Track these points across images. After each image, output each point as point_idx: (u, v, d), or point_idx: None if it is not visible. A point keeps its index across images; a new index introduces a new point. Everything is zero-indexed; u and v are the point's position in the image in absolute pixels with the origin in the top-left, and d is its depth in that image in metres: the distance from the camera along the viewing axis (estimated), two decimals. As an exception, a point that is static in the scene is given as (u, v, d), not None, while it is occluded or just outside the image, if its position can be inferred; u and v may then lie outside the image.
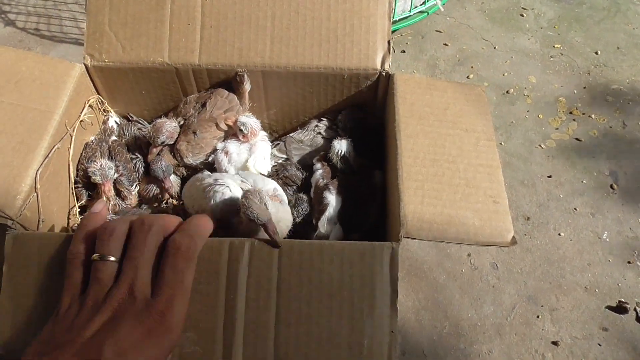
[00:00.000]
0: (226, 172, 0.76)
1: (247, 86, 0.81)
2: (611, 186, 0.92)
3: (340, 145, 0.77)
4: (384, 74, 0.79)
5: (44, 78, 0.77)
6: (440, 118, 0.74)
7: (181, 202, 0.81)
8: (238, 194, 0.66)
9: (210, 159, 0.81)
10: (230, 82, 0.83)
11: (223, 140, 0.81)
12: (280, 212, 0.64)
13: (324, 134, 0.83)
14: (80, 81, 0.79)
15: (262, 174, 0.78)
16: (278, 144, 0.84)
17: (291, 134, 0.85)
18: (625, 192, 0.91)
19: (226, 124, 0.79)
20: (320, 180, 0.75)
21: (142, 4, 0.81)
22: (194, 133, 0.81)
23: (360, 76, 0.80)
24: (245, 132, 0.77)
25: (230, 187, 0.67)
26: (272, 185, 0.70)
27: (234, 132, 0.81)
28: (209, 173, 0.76)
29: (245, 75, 0.79)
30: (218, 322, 0.49)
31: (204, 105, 0.82)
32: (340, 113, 0.82)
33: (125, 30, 0.81)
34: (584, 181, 0.93)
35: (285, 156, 0.83)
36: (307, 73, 0.79)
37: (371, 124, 0.82)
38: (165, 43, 0.80)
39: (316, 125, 0.84)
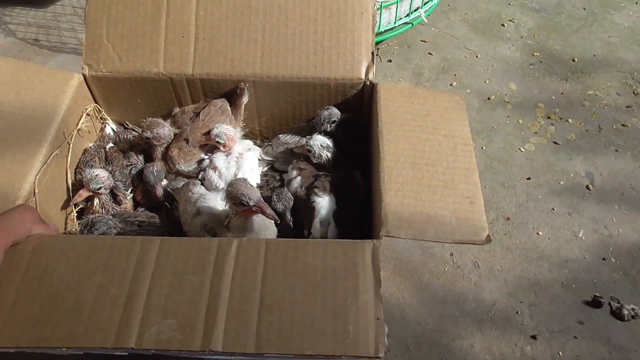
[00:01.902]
0: (217, 188, 0.79)
1: (245, 99, 0.85)
2: (587, 187, 0.96)
3: (318, 139, 0.80)
4: (368, 83, 0.83)
5: (44, 87, 0.81)
6: (421, 124, 0.78)
7: (173, 207, 0.84)
8: (222, 206, 0.70)
9: (199, 167, 0.85)
10: (224, 92, 0.87)
11: (208, 153, 0.84)
12: (265, 221, 0.67)
13: (308, 136, 0.87)
14: (78, 90, 0.83)
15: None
16: (267, 146, 0.88)
17: (279, 135, 0.89)
18: (601, 192, 0.96)
19: (203, 144, 0.83)
20: (300, 190, 0.78)
21: (139, 18, 0.85)
22: (186, 140, 0.85)
23: (346, 85, 0.84)
24: (222, 141, 0.81)
25: (215, 202, 0.71)
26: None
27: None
28: (199, 183, 0.79)
29: (246, 89, 0.84)
30: (200, 310, 0.52)
31: (197, 114, 0.86)
32: (317, 112, 0.85)
33: (123, 42, 0.85)
34: (562, 182, 0.97)
35: (272, 159, 0.87)
36: (296, 83, 0.84)
37: (352, 127, 0.86)
38: (160, 54, 0.84)
39: (301, 129, 0.88)
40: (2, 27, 1.29)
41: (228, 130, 0.83)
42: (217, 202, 0.71)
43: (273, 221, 0.67)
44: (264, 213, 0.62)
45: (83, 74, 0.84)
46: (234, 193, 0.61)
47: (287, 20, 0.84)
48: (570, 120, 1.09)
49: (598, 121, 1.08)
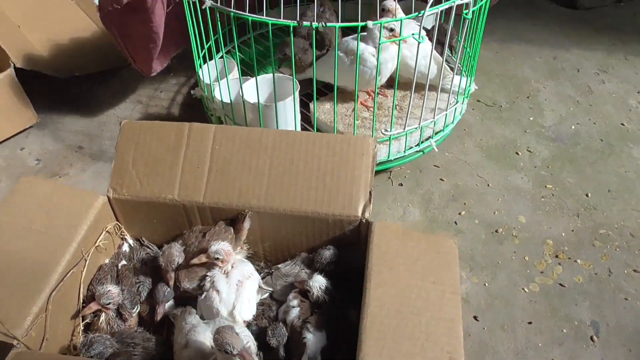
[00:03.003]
0: (218, 312, 0.83)
1: (247, 225, 0.91)
2: (591, 338, 0.93)
3: (318, 281, 0.84)
4: (364, 221, 0.88)
5: (71, 208, 0.89)
6: (411, 268, 0.81)
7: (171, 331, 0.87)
8: (210, 340, 0.73)
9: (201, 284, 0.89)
10: (231, 217, 0.94)
11: (209, 269, 0.89)
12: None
13: (306, 269, 0.90)
14: (101, 211, 0.91)
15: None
16: (267, 275, 0.92)
17: (279, 266, 0.93)
18: (606, 344, 0.92)
19: (201, 263, 0.88)
20: (296, 320, 0.82)
21: (162, 147, 0.95)
22: (191, 259, 0.91)
23: (344, 222, 0.89)
24: (221, 257, 0.86)
25: (204, 336, 0.75)
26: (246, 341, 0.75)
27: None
28: (195, 312, 0.83)
29: (248, 216, 0.90)
30: None
31: (204, 235, 0.93)
32: (318, 252, 0.90)
33: (146, 169, 0.94)
34: (564, 330, 0.95)
35: (270, 289, 0.91)
36: (296, 216, 0.89)
37: (350, 262, 0.89)
38: (176, 182, 0.92)
39: (301, 261, 0.92)
40: (54, 134, 1.45)
41: (225, 246, 0.87)
42: (207, 337, 0.75)
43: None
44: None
45: (107, 196, 0.93)
46: (219, 341, 0.65)
47: (293, 157, 0.92)
48: (579, 260, 1.08)
49: (608, 264, 1.07)
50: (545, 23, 1.96)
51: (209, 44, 1.23)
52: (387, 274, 0.79)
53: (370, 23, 0.94)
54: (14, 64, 1.40)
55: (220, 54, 1.34)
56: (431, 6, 0.95)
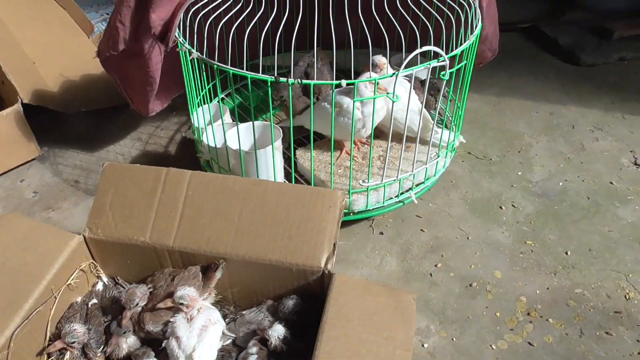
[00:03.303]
0: (177, 358, 0.84)
1: (219, 275, 0.94)
2: (556, 400, 0.92)
3: (277, 330, 0.86)
4: (326, 272, 0.89)
5: (48, 246, 0.93)
6: (366, 323, 0.82)
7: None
8: None
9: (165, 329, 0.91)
10: (201, 263, 0.96)
11: (174, 314, 0.91)
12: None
13: (270, 317, 0.92)
14: (76, 249, 0.95)
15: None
16: (231, 322, 0.94)
17: (243, 312, 0.95)
18: (570, 409, 0.91)
19: (167, 307, 0.90)
20: (254, 368, 0.83)
21: (139, 191, 0.99)
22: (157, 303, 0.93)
23: (307, 272, 0.91)
24: (185, 303, 0.88)
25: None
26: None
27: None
28: (153, 355, 0.85)
29: (221, 267, 0.93)
30: None
31: (173, 279, 0.95)
32: (281, 301, 0.91)
33: (122, 211, 0.98)
34: (529, 391, 0.94)
35: (233, 335, 0.92)
36: (261, 264, 0.91)
37: (313, 313, 0.90)
38: (149, 225, 0.96)
39: (266, 309, 0.94)
40: (54, 167, 1.51)
41: (190, 292, 0.90)
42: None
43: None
44: None
45: (83, 235, 0.96)
46: None
47: (262, 206, 0.95)
48: (551, 319, 1.07)
49: (581, 325, 1.05)
50: (546, 78, 1.98)
51: (205, 89, 1.28)
52: (340, 328, 0.81)
53: (344, 82, 0.98)
54: (22, 100, 1.48)
55: (216, 99, 1.40)
56: (406, 67, 0.98)
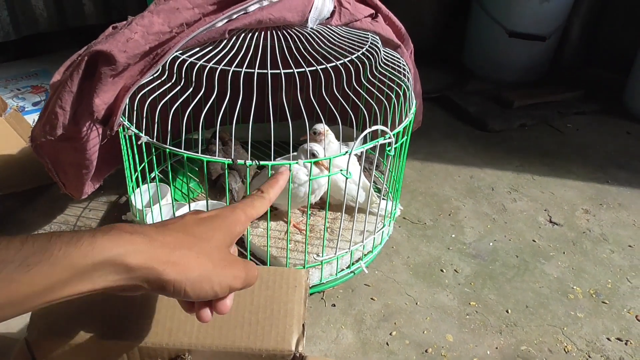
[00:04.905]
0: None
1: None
2: None
3: None
4: (297, 355, 0.88)
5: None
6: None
7: None
8: None
9: None
10: (163, 356, 0.91)
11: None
12: None
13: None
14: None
15: None
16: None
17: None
18: None
19: None
20: None
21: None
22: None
23: (277, 357, 0.88)
24: None
25: None
26: None
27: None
28: None
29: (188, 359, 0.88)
30: None
31: (131, 378, 0.88)
32: None
33: (68, 310, 0.90)
34: None
35: None
36: (229, 353, 0.88)
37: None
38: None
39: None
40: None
41: None
42: None
43: None
44: None
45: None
46: None
47: (226, 292, 0.92)
48: (504, 379, 1.12)
49: (532, 381, 1.11)
50: (461, 144, 2.17)
51: (142, 165, 1.25)
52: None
53: (301, 162, 1.01)
54: None
55: (152, 175, 1.37)
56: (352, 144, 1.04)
